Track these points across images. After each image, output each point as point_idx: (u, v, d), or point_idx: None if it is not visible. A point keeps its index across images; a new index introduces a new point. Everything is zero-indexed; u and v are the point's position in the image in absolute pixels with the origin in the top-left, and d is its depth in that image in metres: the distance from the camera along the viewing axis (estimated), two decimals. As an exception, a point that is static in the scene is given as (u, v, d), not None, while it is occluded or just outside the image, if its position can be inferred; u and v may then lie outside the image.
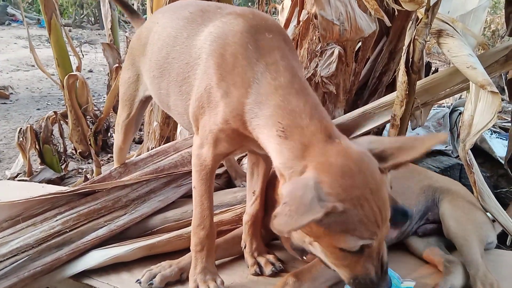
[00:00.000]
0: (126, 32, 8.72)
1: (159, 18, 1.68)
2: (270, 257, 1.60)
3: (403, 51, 1.81)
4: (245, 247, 1.62)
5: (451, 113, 3.10)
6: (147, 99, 1.87)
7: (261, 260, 1.59)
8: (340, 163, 1.07)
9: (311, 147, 1.12)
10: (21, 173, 3.00)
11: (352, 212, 1.03)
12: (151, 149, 2.39)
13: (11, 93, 5.85)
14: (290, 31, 2.23)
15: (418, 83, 2.05)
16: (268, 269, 1.55)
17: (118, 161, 2.08)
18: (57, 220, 1.65)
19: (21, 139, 2.96)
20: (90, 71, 7.41)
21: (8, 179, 2.95)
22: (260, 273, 1.56)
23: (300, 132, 1.15)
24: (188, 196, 1.93)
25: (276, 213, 1.01)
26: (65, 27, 3.96)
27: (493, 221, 1.79)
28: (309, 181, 1.03)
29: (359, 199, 1.04)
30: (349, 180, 1.04)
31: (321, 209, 0.97)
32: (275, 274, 1.55)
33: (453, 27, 1.83)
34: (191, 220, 1.74)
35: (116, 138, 2.05)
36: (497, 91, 1.59)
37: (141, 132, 3.90)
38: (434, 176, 1.89)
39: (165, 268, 1.50)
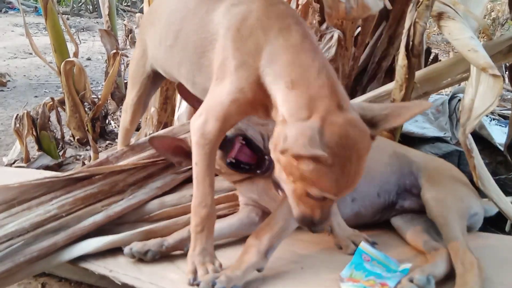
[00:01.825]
0: (124, 20, 8.64)
1: None
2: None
3: (404, 34, 1.79)
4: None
5: (450, 99, 3.08)
6: (154, 78, 1.85)
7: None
8: (340, 123, 1.16)
9: (317, 101, 1.19)
10: (18, 159, 2.98)
11: (335, 169, 1.16)
12: (149, 135, 2.37)
13: (8, 81, 5.81)
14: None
15: (420, 72, 2.04)
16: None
17: (122, 143, 2.05)
18: (52, 204, 1.63)
19: (18, 125, 2.93)
20: (88, 59, 7.36)
21: (5, 165, 2.93)
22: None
23: (307, 85, 1.22)
24: (185, 181, 1.93)
25: (288, 136, 1.15)
26: (63, 15, 3.91)
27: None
28: (315, 125, 1.14)
29: (345, 160, 1.16)
30: (344, 140, 1.15)
31: (322, 152, 1.10)
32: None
33: (454, 10, 1.81)
34: (188, 205, 1.73)
35: (123, 118, 2.02)
36: (499, 74, 1.57)
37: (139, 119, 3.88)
38: (411, 150, 1.88)
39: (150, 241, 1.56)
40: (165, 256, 1.55)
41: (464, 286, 1.33)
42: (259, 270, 1.40)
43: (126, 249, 1.53)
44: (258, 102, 1.33)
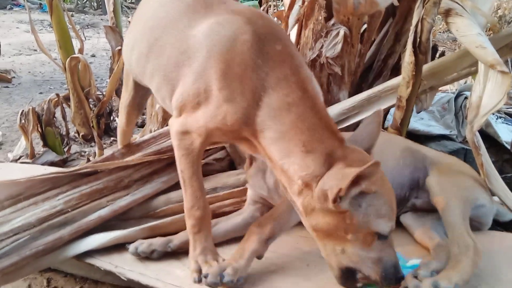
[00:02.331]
0: (128, 17, 8.65)
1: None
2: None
3: (411, 31, 1.78)
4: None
5: (456, 97, 3.07)
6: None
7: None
8: (362, 159, 1.25)
9: (333, 155, 1.25)
10: (23, 155, 2.98)
11: (383, 196, 1.24)
12: (154, 132, 2.37)
13: (14, 77, 5.83)
14: (295, 12, 2.19)
15: (426, 66, 2.02)
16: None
17: (122, 142, 2.07)
18: (59, 200, 1.64)
19: (23, 121, 2.93)
20: (93, 55, 7.37)
21: (11, 161, 2.94)
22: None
23: (321, 145, 1.26)
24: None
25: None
26: (68, 12, 3.91)
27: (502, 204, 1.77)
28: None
29: (386, 188, 1.27)
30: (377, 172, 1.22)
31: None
32: None
33: (462, 6, 1.80)
34: None
35: (120, 120, 2.05)
36: (508, 70, 1.56)
37: (144, 116, 3.88)
38: (425, 147, 1.88)
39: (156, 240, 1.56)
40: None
41: (455, 267, 1.31)
42: (258, 257, 1.42)
43: (131, 248, 1.53)
44: (242, 137, 1.37)
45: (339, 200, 1.19)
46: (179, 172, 1.45)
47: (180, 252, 1.56)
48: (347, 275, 1.30)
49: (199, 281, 1.39)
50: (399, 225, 1.73)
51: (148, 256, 1.52)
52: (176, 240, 1.56)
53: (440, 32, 8.29)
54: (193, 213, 1.45)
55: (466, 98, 2.98)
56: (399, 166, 1.72)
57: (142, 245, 1.52)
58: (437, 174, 1.66)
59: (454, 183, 1.61)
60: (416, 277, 1.32)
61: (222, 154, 2.12)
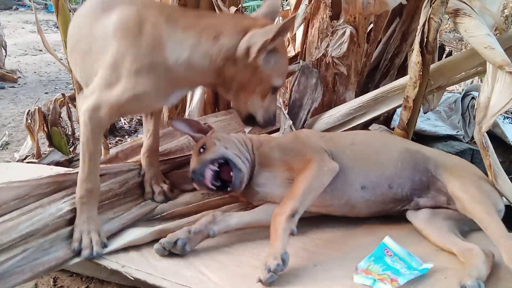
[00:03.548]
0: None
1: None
2: (165, 186, 1.85)
3: (418, 31, 1.76)
4: (143, 175, 1.86)
5: (463, 97, 3.05)
6: None
7: (156, 189, 1.82)
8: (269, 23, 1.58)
9: (246, 28, 1.52)
10: (29, 155, 2.99)
11: (285, 57, 1.59)
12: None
13: (19, 77, 5.85)
14: (301, 11, 2.19)
15: (433, 66, 2.01)
16: (159, 198, 1.82)
17: None
18: (64, 202, 1.62)
19: (29, 121, 2.93)
20: (98, 55, 7.38)
21: (17, 161, 2.95)
22: (152, 199, 1.81)
23: (229, 27, 1.53)
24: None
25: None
26: (73, 13, 3.91)
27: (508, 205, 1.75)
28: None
29: (286, 50, 1.62)
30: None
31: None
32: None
33: (470, 6, 1.78)
34: (200, 203, 1.76)
35: None
36: (517, 71, 1.54)
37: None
38: (424, 147, 1.86)
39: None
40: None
41: None
42: (292, 234, 1.45)
43: (156, 246, 1.54)
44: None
45: (260, 54, 1.46)
46: (81, 143, 1.55)
47: (188, 252, 1.56)
48: (249, 118, 1.65)
49: (78, 251, 1.51)
50: (407, 223, 1.73)
51: (173, 250, 1.53)
52: (196, 224, 1.58)
53: (446, 32, 8.25)
54: (84, 186, 1.55)
55: (473, 98, 2.96)
56: (397, 168, 1.72)
57: (165, 238, 1.54)
58: (457, 180, 1.65)
59: (482, 190, 1.60)
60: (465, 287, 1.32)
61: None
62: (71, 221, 1.58)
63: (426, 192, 1.72)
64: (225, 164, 1.68)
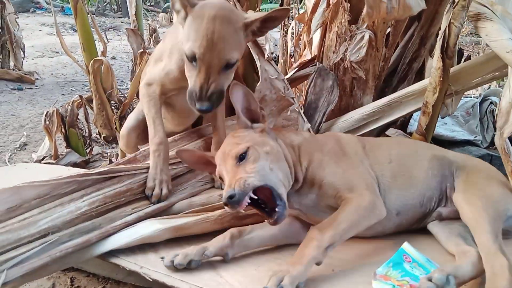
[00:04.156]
0: (147, 19, 8.75)
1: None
2: None
3: (440, 36, 1.75)
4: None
5: (481, 102, 3.02)
6: None
7: None
8: None
9: None
10: (47, 156, 3.03)
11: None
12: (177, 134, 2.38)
13: (37, 79, 5.94)
14: (318, 15, 2.19)
15: (450, 71, 1.99)
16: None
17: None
18: (83, 201, 1.63)
19: (47, 122, 2.98)
20: (113, 58, 7.47)
21: (35, 161, 2.99)
22: (221, 187, 1.92)
23: None
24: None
25: None
26: (92, 15, 3.97)
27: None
28: None
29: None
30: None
31: None
32: None
33: (491, 10, 1.76)
34: (216, 204, 1.76)
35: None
36: (539, 76, 1.52)
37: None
38: (450, 152, 1.83)
39: (189, 249, 1.51)
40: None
41: None
42: (317, 264, 1.39)
43: (166, 262, 1.48)
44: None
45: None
46: (145, 114, 1.90)
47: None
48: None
49: (150, 196, 1.74)
50: (426, 233, 1.71)
51: (186, 267, 1.48)
52: (211, 247, 1.51)
53: (462, 35, 8.18)
54: (155, 141, 1.83)
55: (491, 103, 2.93)
56: (428, 178, 1.68)
57: (178, 257, 1.47)
58: (463, 189, 1.62)
59: (483, 196, 1.56)
60: (430, 279, 1.29)
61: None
62: (90, 218, 1.61)
63: (449, 201, 1.68)
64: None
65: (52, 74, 6.38)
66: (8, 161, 3.26)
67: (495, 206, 1.53)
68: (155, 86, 1.89)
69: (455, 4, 1.73)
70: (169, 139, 2.14)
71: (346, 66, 2.08)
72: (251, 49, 2.10)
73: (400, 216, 1.66)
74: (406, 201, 1.65)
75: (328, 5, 2.13)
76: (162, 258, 1.51)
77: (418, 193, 1.67)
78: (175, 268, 1.47)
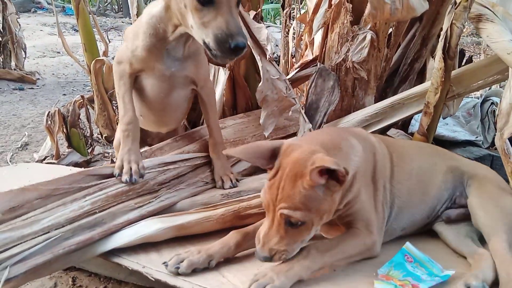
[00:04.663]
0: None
1: None
2: (231, 175, 1.98)
3: (442, 36, 1.76)
4: (213, 168, 1.99)
5: (482, 103, 3.02)
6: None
7: (224, 178, 1.96)
8: None
9: None
10: (48, 156, 3.03)
11: None
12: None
13: (38, 79, 5.95)
14: (320, 15, 2.19)
15: (452, 73, 2.00)
16: (227, 185, 1.93)
17: None
18: (86, 201, 1.64)
19: (49, 122, 2.98)
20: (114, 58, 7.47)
21: (36, 161, 2.99)
22: (222, 187, 1.93)
23: None
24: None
25: None
26: (94, 15, 3.97)
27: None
28: None
29: None
30: None
31: None
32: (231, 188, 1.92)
33: (493, 12, 1.77)
34: (218, 204, 1.76)
35: None
36: (540, 77, 1.53)
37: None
38: (461, 160, 1.84)
39: (194, 254, 1.47)
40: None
41: None
42: (300, 280, 1.38)
43: (171, 268, 1.45)
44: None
45: None
46: (116, 92, 1.90)
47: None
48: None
49: (118, 175, 1.73)
50: (432, 234, 1.72)
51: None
52: (217, 255, 1.48)
53: (463, 36, 8.18)
54: (124, 120, 1.83)
55: (492, 103, 2.93)
56: (440, 192, 1.69)
57: (183, 265, 1.45)
58: (478, 195, 1.63)
59: (498, 205, 1.58)
60: (469, 287, 1.31)
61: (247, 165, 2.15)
62: (93, 214, 1.62)
63: (456, 206, 1.70)
64: None
65: (53, 74, 6.39)
66: (10, 161, 3.27)
67: (510, 218, 1.55)
68: (124, 65, 1.86)
69: (456, 5, 1.74)
70: (169, 140, 2.15)
71: (348, 67, 2.08)
72: (252, 50, 2.11)
73: (405, 230, 1.67)
74: (414, 218, 1.65)
75: (330, 5, 2.13)
76: (165, 263, 1.47)
77: (428, 208, 1.68)
78: (178, 274, 1.45)
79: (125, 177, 1.72)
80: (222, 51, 1.44)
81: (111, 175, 1.76)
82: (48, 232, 1.50)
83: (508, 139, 1.73)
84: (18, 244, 1.44)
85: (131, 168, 1.74)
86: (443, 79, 1.80)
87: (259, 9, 2.34)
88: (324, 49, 2.24)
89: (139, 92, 1.98)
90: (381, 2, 1.79)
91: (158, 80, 1.88)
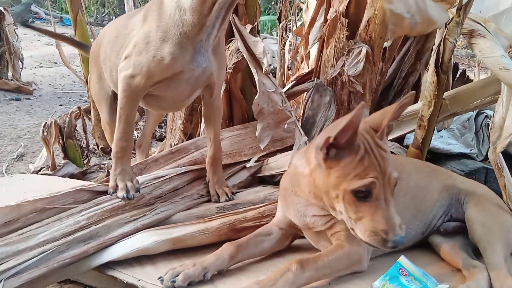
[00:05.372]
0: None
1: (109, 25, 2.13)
2: (226, 189, 1.97)
3: (433, 51, 1.78)
4: (209, 182, 1.99)
5: (476, 116, 3.03)
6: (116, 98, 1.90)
7: (219, 192, 1.95)
8: None
9: None
10: (44, 167, 3.03)
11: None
12: (174, 146, 2.40)
13: (35, 89, 5.96)
14: (315, 30, 2.22)
15: (449, 92, 2.03)
16: (223, 198, 1.93)
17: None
18: (82, 216, 1.65)
19: (45, 133, 2.98)
20: (111, 69, 7.49)
21: (32, 172, 2.99)
22: (218, 201, 1.93)
23: None
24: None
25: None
26: (92, 27, 4.01)
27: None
28: None
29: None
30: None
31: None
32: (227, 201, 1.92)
33: (485, 28, 1.80)
34: (213, 217, 1.77)
35: (106, 137, 2.28)
36: (532, 92, 1.55)
37: (163, 130, 3.92)
38: (458, 178, 1.85)
39: (189, 267, 1.47)
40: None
41: None
42: None
43: (167, 282, 1.44)
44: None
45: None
46: (118, 108, 1.75)
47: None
48: None
49: (111, 194, 1.73)
50: (427, 246, 1.73)
51: None
52: (212, 267, 1.48)
53: (458, 48, 8.27)
54: (120, 144, 1.77)
55: (486, 116, 2.95)
56: (435, 209, 1.71)
57: (178, 278, 1.44)
58: (476, 211, 1.64)
59: (496, 221, 1.60)
60: None
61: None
62: (87, 227, 1.62)
63: (453, 221, 1.72)
64: None
65: (50, 84, 6.40)
66: (5, 172, 3.26)
67: (507, 235, 1.58)
68: (140, 79, 1.66)
69: (449, 20, 1.76)
70: (164, 152, 2.16)
71: (344, 80, 2.10)
72: (249, 63, 2.13)
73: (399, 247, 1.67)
74: (408, 234, 1.64)
75: (325, 20, 2.15)
76: (161, 278, 1.46)
77: (422, 224, 1.69)
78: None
79: (121, 193, 1.72)
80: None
81: (107, 192, 1.78)
82: (44, 246, 1.50)
83: (501, 152, 1.76)
84: (13, 259, 1.44)
85: (126, 185, 1.74)
86: (436, 93, 1.83)
87: (256, 23, 2.36)
88: (320, 63, 2.26)
89: (150, 99, 1.87)
90: (399, 18, 1.76)
91: (180, 84, 1.75)
